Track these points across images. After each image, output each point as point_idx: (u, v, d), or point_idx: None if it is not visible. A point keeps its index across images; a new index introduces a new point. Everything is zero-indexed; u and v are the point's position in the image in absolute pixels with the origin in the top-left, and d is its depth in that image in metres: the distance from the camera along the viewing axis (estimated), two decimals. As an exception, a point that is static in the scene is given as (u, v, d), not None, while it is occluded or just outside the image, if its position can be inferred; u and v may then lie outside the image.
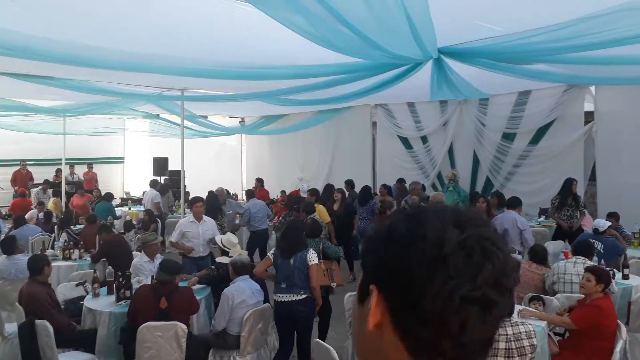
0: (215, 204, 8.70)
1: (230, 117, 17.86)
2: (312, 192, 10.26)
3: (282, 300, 5.35)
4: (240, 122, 17.83)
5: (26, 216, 10.43)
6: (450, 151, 12.61)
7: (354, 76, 7.00)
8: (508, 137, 11.46)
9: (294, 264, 5.34)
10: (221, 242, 6.71)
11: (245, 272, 5.46)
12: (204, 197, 8.84)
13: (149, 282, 5.63)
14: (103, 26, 5.52)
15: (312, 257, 5.40)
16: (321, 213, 8.85)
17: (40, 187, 14.68)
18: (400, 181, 11.69)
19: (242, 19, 5.14)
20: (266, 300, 5.59)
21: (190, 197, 8.45)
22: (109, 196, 12.29)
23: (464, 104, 12.07)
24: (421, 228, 0.72)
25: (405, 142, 13.42)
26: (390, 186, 11.29)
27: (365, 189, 10.49)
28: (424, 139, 13.03)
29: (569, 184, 8.84)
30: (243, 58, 6.53)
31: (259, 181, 13.78)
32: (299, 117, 15.12)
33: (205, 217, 7.62)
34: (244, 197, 12.83)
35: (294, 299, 5.31)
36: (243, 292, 5.29)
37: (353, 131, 14.35)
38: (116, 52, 5.95)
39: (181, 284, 5.74)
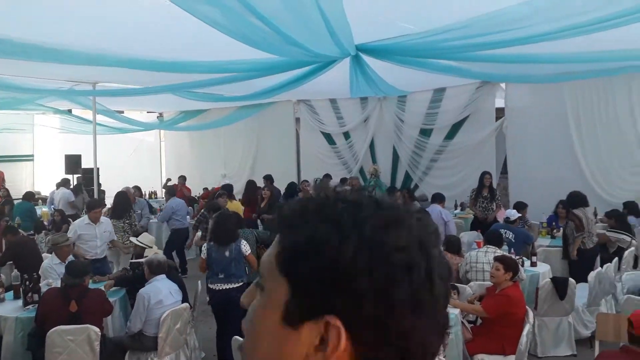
0: (124, 204, 8.50)
1: (148, 112, 17.33)
2: (225, 187, 10.20)
3: (219, 288, 5.69)
4: (158, 117, 17.33)
5: None
6: (372, 146, 12.93)
7: (270, 71, 7.02)
8: (425, 132, 11.90)
9: (230, 256, 5.69)
10: (137, 240, 6.57)
11: (161, 272, 5.37)
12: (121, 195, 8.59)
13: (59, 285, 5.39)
14: (7, 14, 5.20)
15: (246, 247, 5.81)
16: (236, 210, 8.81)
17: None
18: (327, 176, 11.83)
19: (153, 9, 5.01)
20: (185, 299, 5.51)
21: (89, 200, 8.33)
22: (29, 196, 11.56)
23: (383, 101, 12.40)
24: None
25: (328, 137, 13.61)
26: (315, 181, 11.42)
27: (291, 185, 10.55)
28: (346, 135, 13.28)
29: (481, 177, 9.32)
30: (156, 49, 6.37)
31: (182, 178, 13.48)
32: (221, 112, 14.93)
33: (102, 218, 7.43)
34: (164, 195, 12.50)
35: (230, 286, 5.69)
36: (160, 292, 5.21)
37: (276, 127, 14.36)
38: (22, 42, 5.63)
39: (95, 286, 5.55)
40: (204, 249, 5.87)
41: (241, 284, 5.73)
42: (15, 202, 11.67)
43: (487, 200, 9.21)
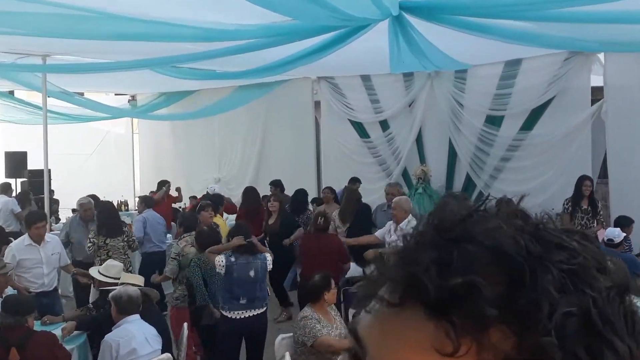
0: (112, 216, 8.70)
1: (117, 95, 17.51)
2: (213, 198, 10.32)
3: (241, 317, 6.34)
4: (130, 101, 17.48)
5: None
6: (419, 140, 12.86)
7: (284, 39, 7.06)
8: (493, 121, 11.80)
9: (255, 277, 6.38)
10: (99, 273, 6.62)
11: (134, 311, 5.40)
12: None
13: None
14: None
15: (270, 261, 6.64)
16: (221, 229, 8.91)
17: None
18: (354, 182, 11.79)
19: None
20: (166, 348, 5.54)
21: (28, 213, 8.47)
22: None
23: (435, 78, 12.33)
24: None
25: (360, 128, 13.58)
26: (339, 189, 11.39)
27: (299, 193, 10.54)
28: (384, 125, 13.23)
29: (578, 184, 9.26)
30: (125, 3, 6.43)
31: (162, 184, 13.50)
32: (214, 94, 15.01)
33: (47, 236, 7.51)
34: (137, 206, 12.58)
35: (255, 313, 6.41)
36: (132, 338, 5.25)
37: (289, 114, 14.40)
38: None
39: (46, 329, 5.61)
40: (221, 262, 6.33)
41: (265, 308, 6.54)
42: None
43: (587, 215, 9.14)
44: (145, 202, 10.90)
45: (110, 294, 5.57)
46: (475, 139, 12.00)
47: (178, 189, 13.73)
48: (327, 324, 5.55)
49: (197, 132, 16.44)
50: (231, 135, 15.77)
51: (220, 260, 6.39)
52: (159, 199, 12.16)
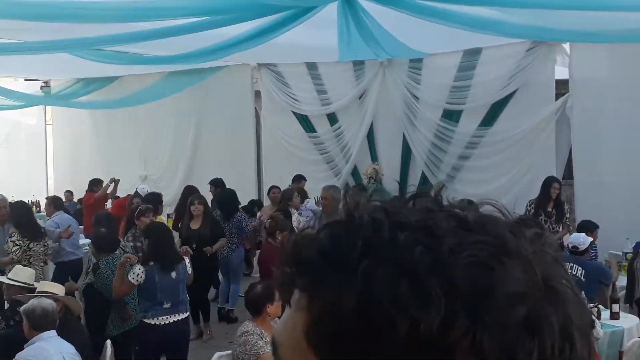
0: (28, 217, 8.54)
1: (27, 80, 17.13)
2: (150, 198, 10.29)
3: (164, 322, 6.46)
4: (42, 87, 17.12)
5: None
6: (370, 136, 12.96)
7: (219, 22, 7.04)
8: (451, 115, 11.98)
9: (177, 277, 6.61)
10: (8, 279, 6.53)
11: (50, 326, 5.30)
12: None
13: None
14: None
15: (189, 265, 6.91)
16: None
17: None
18: (298, 179, 11.81)
19: None
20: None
21: None
22: None
23: (387, 67, 12.44)
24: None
25: (305, 121, 13.62)
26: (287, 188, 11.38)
27: (228, 193, 10.47)
28: (332, 118, 13.30)
29: (546, 185, 9.44)
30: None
31: (95, 183, 13.16)
32: (140, 81, 14.83)
33: None
34: (45, 207, 12.33)
35: (179, 318, 6.60)
36: (48, 358, 5.14)
37: (225, 105, 14.31)
38: None
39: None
40: (137, 271, 6.40)
41: (188, 313, 6.80)
42: None
43: (551, 218, 9.35)
44: (54, 203, 10.71)
45: (22, 308, 5.44)
46: (432, 135, 12.13)
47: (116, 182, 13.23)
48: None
49: (120, 123, 16.19)
50: (159, 128, 15.59)
51: (137, 269, 6.41)
52: (106, 195, 12.02)
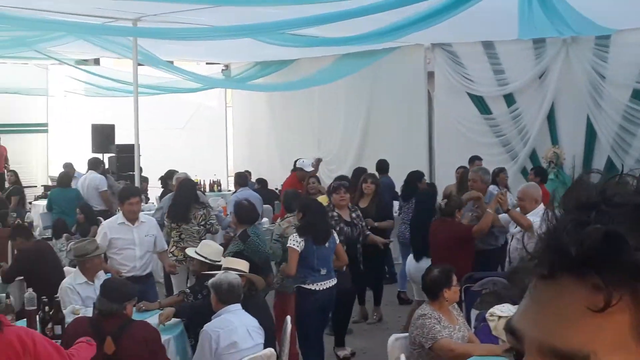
0: (188, 196, 8.81)
1: (208, 64, 17.81)
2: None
3: (323, 288, 7.01)
4: (223, 70, 17.76)
5: None
6: (551, 118, 12.54)
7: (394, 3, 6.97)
8: (642, 95, 11.38)
9: (329, 247, 7.16)
10: (196, 254, 6.75)
11: (235, 300, 5.47)
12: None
13: (90, 314, 5.63)
14: None
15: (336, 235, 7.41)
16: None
17: None
18: (473, 160, 11.49)
19: None
20: (269, 342, 5.61)
21: (122, 187, 8.84)
22: (66, 179, 12.17)
23: (571, 45, 11.97)
24: None
25: (480, 103, 13.33)
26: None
27: (413, 176, 10.38)
28: (509, 99, 12.96)
29: None
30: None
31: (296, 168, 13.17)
32: (315, 64, 15.08)
33: (142, 217, 7.69)
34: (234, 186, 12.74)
35: (332, 284, 7.08)
36: (233, 330, 5.37)
37: (398, 86, 14.23)
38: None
39: (139, 317, 5.74)
40: (296, 241, 6.95)
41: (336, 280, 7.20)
42: (30, 190, 12.46)
43: None
44: (239, 180, 11.08)
45: (210, 281, 5.66)
46: (619, 116, 11.60)
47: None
48: (449, 325, 5.39)
49: (295, 106, 16.60)
50: (332, 110, 15.79)
51: (295, 236, 7.00)
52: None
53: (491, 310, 5.47)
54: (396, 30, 9.29)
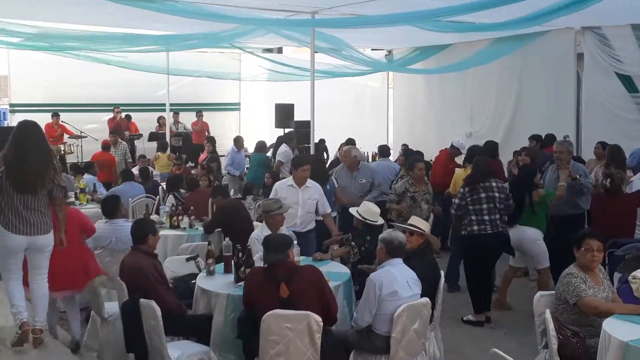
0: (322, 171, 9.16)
1: (373, 50, 17.92)
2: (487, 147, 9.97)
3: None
4: (386, 55, 17.82)
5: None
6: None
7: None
8: None
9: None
10: (357, 213, 7.05)
11: (400, 255, 5.60)
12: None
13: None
14: None
15: None
16: (457, 184, 8.85)
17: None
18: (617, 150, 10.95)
19: None
20: (427, 293, 5.67)
21: (295, 156, 9.10)
22: (262, 146, 13.67)
23: None
24: None
25: (627, 81, 12.60)
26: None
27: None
28: (657, 78, 12.21)
29: None
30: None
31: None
32: (468, 48, 14.82)
33: (309, 182, 7.84)
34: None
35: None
36: (394, 280, 5.39)
37: (548, 67, 13.77)
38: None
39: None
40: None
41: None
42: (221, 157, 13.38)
43: None
44: (381, 152, 11.76)
45: (381, 236, 5.77)
46: None
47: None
48: (593, 286, 5.27)
49: (449, 87, 16.41)
50: (485, 87, 15.49)
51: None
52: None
53: (634, 273, 5.35)
54: (547, 14, 8.96)
